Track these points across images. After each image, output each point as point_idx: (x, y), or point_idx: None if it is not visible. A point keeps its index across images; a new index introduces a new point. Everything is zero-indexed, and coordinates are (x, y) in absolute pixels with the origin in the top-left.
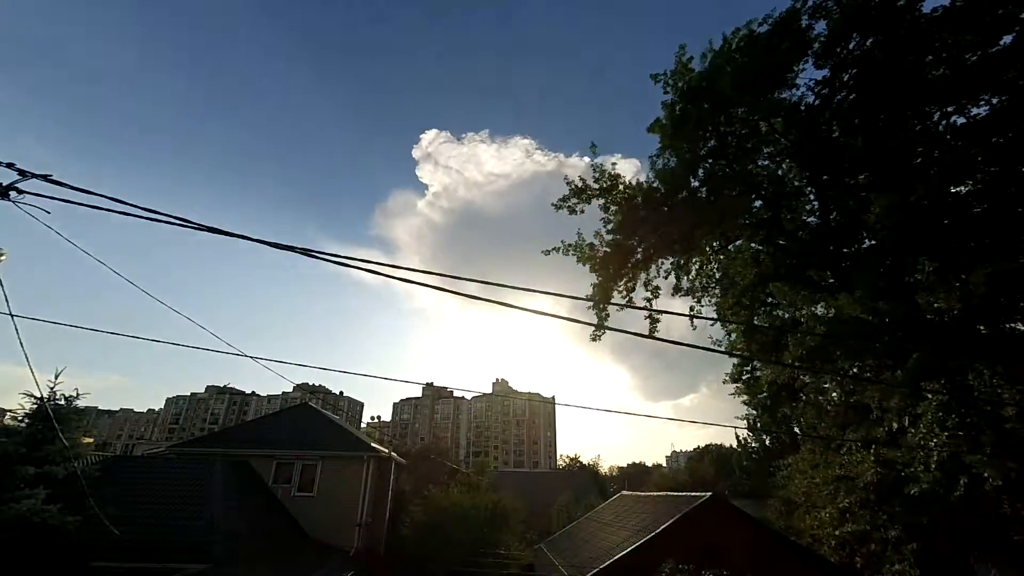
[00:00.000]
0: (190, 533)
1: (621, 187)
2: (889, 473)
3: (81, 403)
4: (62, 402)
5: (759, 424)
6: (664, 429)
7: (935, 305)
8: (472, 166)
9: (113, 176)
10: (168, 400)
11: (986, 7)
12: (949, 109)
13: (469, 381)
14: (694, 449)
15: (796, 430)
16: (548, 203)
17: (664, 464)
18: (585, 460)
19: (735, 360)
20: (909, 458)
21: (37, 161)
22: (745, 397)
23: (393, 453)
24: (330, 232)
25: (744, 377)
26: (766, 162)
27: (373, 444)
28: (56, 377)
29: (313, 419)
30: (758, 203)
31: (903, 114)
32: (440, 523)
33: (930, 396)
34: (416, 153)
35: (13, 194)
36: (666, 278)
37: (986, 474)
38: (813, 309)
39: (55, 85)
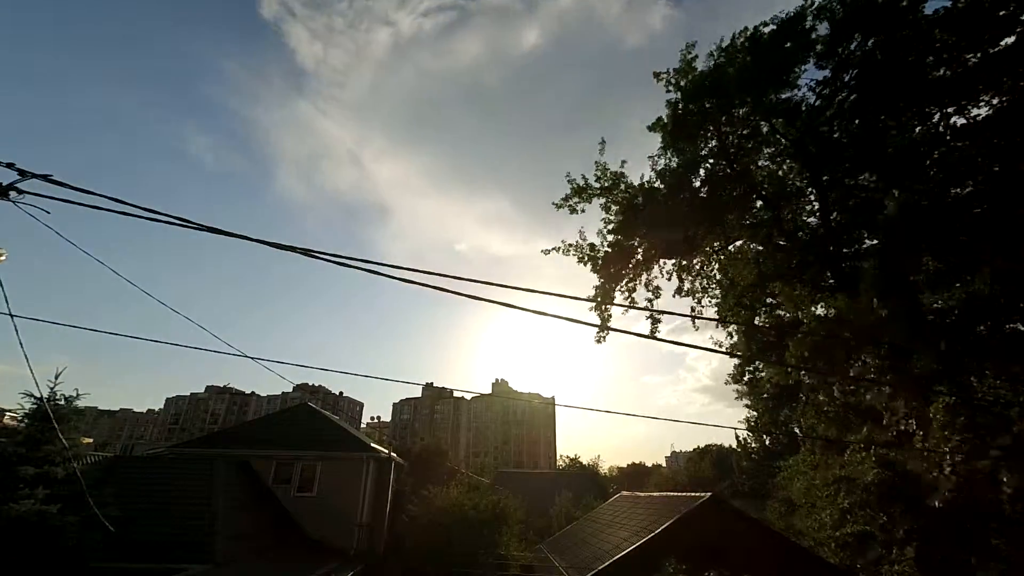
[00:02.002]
0: (190, 533)
1: (622, 186)
2: (889, 474)
3: (81, 403)
4: (62, 402)
5: (759, 424)
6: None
7: (936, 306)
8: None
9: None
10: (168, 400)
11: (987, 8)
12: (950, 110)
13: (469, 381)
14: (694, 449)
15: (796, 431)
16: (520, 90)
17: (664, 464)
18: (585, 461)
19: (736, 360)
20: (920, 464)
21: None
22: (747, 399)
23: (393, 453)
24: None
25: (745, 378)
26: (767, 162)
27: (373, 444)
28: (57, 377)
29: (313, 419)
30: (759, 203)
31: (904, 115)
32: (440, 523)
33: (937, 399)
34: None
35: (13, 194)
36: (668, 279)
37: (1003, 478)
38: (813, 309)
39: None
